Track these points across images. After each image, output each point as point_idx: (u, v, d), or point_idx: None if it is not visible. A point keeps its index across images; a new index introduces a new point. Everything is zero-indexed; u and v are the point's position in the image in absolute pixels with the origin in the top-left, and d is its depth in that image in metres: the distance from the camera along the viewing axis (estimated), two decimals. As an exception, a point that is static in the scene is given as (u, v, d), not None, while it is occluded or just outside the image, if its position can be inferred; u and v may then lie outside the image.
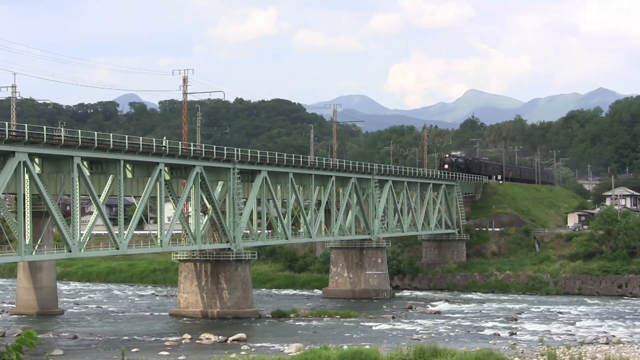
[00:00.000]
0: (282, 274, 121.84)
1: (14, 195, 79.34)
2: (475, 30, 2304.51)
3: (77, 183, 62.75)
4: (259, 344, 64.49)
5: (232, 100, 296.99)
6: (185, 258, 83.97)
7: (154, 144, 71.13)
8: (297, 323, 79.18)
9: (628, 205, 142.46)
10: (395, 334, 71.11)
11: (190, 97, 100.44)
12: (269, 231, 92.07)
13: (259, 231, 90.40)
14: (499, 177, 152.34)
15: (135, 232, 75.39)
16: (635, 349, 57.68)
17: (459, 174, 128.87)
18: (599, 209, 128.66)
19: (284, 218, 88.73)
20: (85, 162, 65.24)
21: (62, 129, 68.41)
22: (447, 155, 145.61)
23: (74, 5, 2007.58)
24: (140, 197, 70.92)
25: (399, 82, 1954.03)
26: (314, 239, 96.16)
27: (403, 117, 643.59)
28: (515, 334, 71.05)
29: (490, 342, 63.93)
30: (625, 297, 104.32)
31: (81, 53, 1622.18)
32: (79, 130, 66.22)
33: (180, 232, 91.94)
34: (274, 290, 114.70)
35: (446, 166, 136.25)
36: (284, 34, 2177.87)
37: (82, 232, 65.20)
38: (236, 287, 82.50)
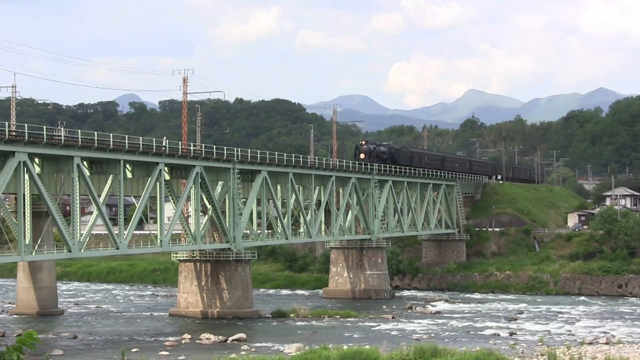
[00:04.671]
0: (282, 274, 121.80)
1: (14, 195, 79.37)
2: (477, 30, 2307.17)
3: (77, 183, 62.74)
4: (259, 344, 64.48)
5: (232, 100, 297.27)
6: (185, 258, 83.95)
7: (154, 144, 71.10)
8: (297, 323, 79.14)
9: (628, 205, 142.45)
10: (395, 334, 71.08)
11: (190, 97, 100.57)
12: (269, 231, 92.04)
13: (259, 231, 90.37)
14: (499, 176, 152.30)
15: (135, 232, 75.35)
16: (635, 349, 57.66)
17: (461, 173, 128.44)
18: (599, 209, 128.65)
19: (284, 218, 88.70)
20: (85, 162, 65.21)
21: (62, 129, 68.44)
22: (364, 143, 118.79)
23: (75, 6, 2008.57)
24: (140, 197, 70.89)
25: (400, 81, 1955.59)
26: (314, 239, 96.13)
27: (403, 117, 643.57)
28: (515, 334, 71.03)
29: (490, 342, 63.94)
30: (625, 297, 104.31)
31: (82, 53, 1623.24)
32: (79, 130, 66.18)
33: (180, 232, 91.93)
34: (274, 290, 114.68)
35: (362, 155, 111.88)
36: (286, 34, 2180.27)
37: (82, 232, 65.18)
38: (236, 287, 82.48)
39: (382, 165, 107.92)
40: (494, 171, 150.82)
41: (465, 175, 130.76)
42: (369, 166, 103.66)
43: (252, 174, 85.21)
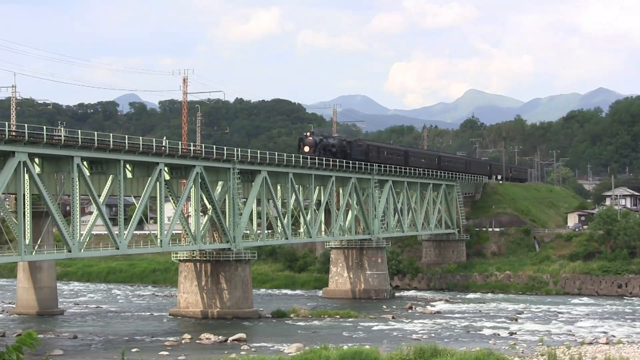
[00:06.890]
0: (282, 274, 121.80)
1: (14, 195, 79.33)
2: (477, 30, 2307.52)
3: (77, 183, 62.74)
4: (259, 344, 64.46)
5: (232, 100, 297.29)
6: (185, 258, 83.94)
7: (154, 144, 71.10)
8: (297, 323, 79.14)
9: (628, 205, 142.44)
10: (395, 334, 71.07)
11: (190, 97, 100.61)
12: (269, 231, 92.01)
13: (259, 231, 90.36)
14: (499, 176, 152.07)
15: (135, 232, 75.35)
16: (635, 349, 57.66)
17: (458, 174, 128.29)
18: (598, 209, 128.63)
19: (284, 218, 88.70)
20: (85, 162, 65.21)
21: (62, 129, 68.40)
22: (308, 134, 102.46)
23: (76, 6, 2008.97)
24: (140, 197, 70.89)
25: (400, 81, 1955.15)
26: (314, 239, 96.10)
27: (403, 117, 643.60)
28: (515, 334, 71.02)
29: (490, 342, 63.93)
30: (625, 297, 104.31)
31: (83, 53, 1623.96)
32: (79, 130, 66.15)
33: (180, 232, 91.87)
34: (274, 290, 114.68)
35: (306, 149, 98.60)
36: (287, 34, 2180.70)
37: (82, 232, 65.18)
38: (236, 287, 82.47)
39: (318, 156, 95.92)
40: (468, 168, 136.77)
41: (464, 175, 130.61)
42: (369, 166, 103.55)
43: (252, 174, 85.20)
